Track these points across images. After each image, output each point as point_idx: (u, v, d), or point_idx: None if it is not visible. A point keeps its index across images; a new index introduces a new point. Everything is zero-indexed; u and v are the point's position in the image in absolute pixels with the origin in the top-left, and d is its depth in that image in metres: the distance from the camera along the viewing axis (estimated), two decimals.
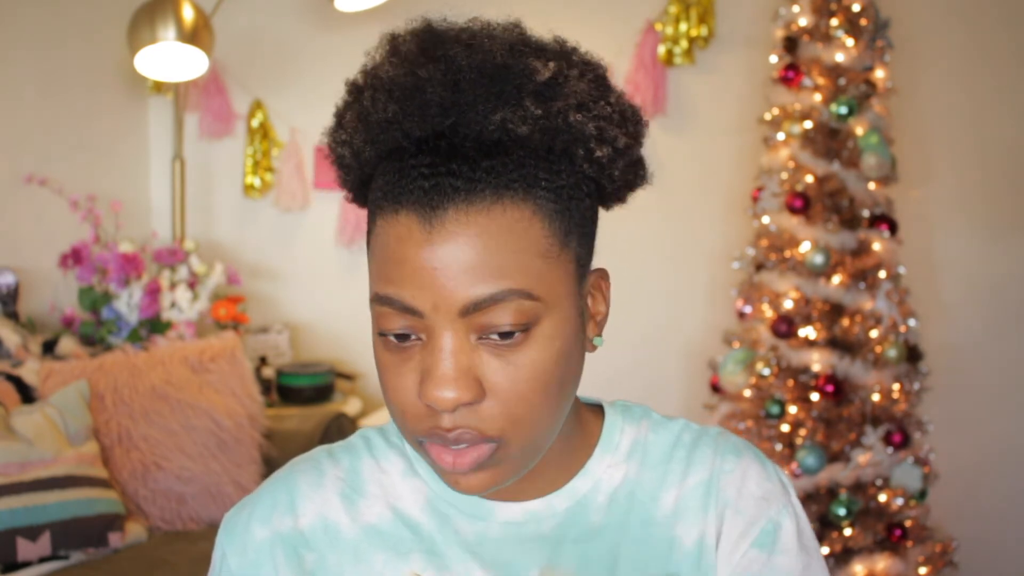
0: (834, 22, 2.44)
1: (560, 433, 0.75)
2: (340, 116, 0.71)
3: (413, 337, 0.67)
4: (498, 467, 0.69)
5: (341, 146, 0.71)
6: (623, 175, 0.72)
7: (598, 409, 0.83)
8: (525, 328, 0.66)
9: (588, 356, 0.74)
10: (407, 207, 0.65)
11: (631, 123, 0.71)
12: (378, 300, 0.68)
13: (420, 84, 0.65)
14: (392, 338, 0.68)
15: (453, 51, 0.66)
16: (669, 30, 2.94)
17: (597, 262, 0.76)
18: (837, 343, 2.44)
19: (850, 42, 2.42)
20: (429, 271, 0.64)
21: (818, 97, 2.44)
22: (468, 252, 0.64)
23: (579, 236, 0.70)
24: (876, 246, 2.40)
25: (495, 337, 0.66)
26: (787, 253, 2.43)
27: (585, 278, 0.72)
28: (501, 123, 0.65)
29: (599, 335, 0.75)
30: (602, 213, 0.76)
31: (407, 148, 0.67)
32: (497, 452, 0.68)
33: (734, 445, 0.80)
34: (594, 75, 0.70)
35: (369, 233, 0.70)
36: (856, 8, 2.44)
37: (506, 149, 0.66)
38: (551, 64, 0.67)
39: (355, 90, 0.70)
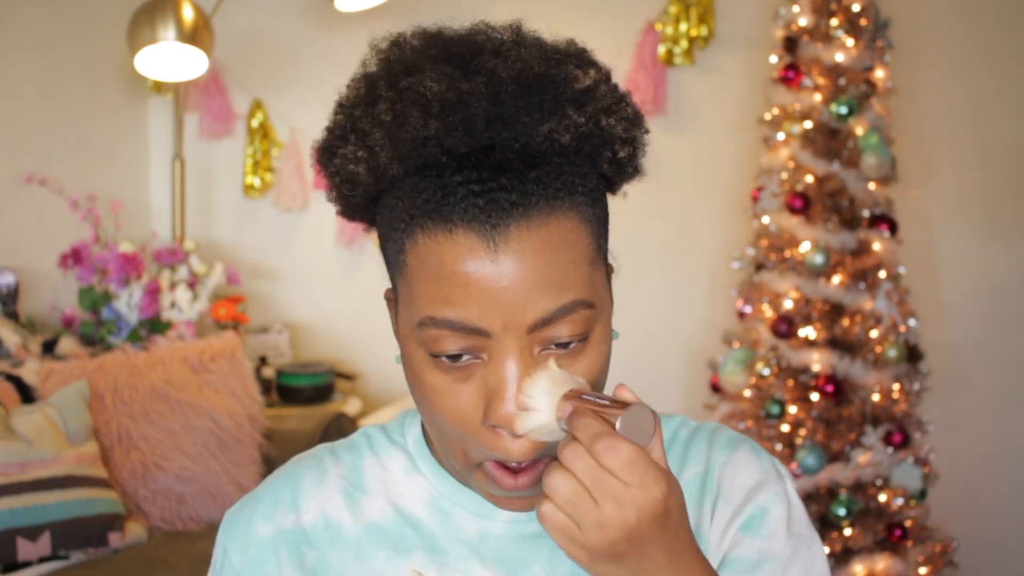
0: (834, 22, 2.44)
1: None
2: (345, 131, 0.69)
3: (468, 356, 0.66)
4: None
5: (355, 163, 0.68)
6: (634, 172, 0.74)
7: None
8: (584, 337, 0.67)
9: None
10: (463, 225, 0.63)
11: (641, 121, 0.73)
12: (434, 323, 0.65)
13: (463, 99, 0.64)
14: (445, 358, 0.67)
15: (490, 63, 0.65)
16: (669, 30, 2.94)
17: None
18: (837, 343, 2.44)
19: (850, 42, 2.42)
20: (498, 290, 0.63)
21: (818, 97, 2.44)
22: (533, 268, 0.64)
23: (605, 235, 0.72)
24: (876, 246, 2.40)
25: (554, 347, 0.66)
26: (787, 253, 2.43)
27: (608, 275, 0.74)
28: (548, 134, 0.65)
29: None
30: None
31: (446, 163, 0.65)
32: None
33: (728, 439, 0.80)
34: (607, 76, 0.71)
35: (400, 252, 0.68)
36: (856, 8, 2.44)
37: (547, 159, 0.66)
38: (591, 72, 0.67)
39: (362, 102, 0.68)
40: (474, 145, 0.65)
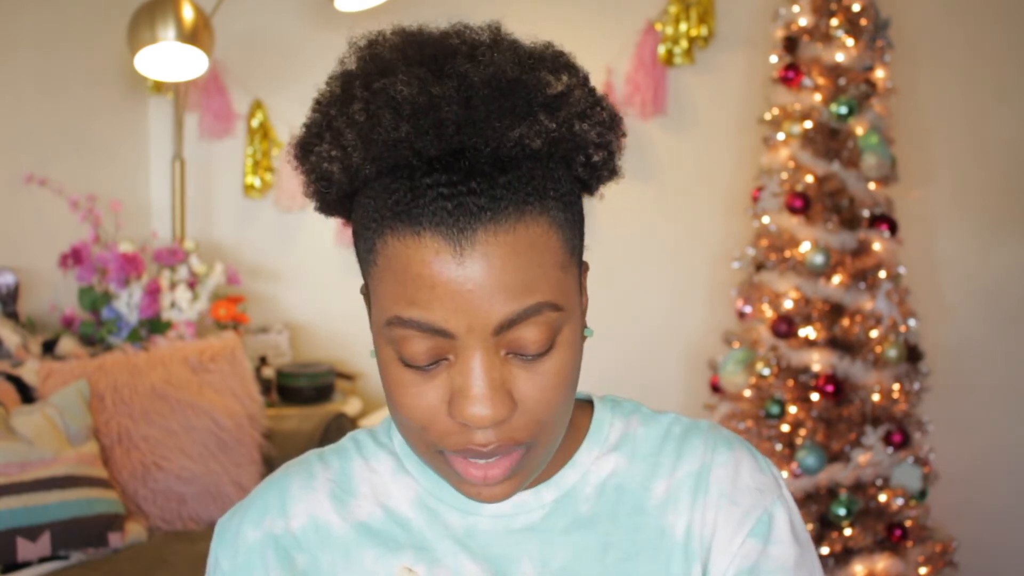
0: (834, 22, 2.44)
1: None
2: (321, 129, 0.69)
3: (434, 365, 0.68)
4: (521, 472, 0.70)
5: (329, 162, 0.68)
6: (609, 175, 0.74)
7: (587, 403, 0.83)
8: (551, 343, 0.67)
9: (586, 353, 0.75)
10: (431, 228, 0.64)
11: (618, 127, 0.72)
12: (401, 323, 0.66)
13: (434, 102, 0.64)
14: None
15: (463, 67, 0.65)
16: (669, 30, 2.94)
17: (598, 261, 0.76)
18: (837, 343, 2.44)
19: (850, 42, 2.42)
20: (463, 293, 0.64)
21: (818, 97, 2.44)
22: (499, 272, 0.64)
23: (579, 239, 0.72)
24: (876, 246, 2.40)
25: (520, 356, 0.67)
26: (787, 253, 2.43)
27: (582, 276, 0.74)
28: (519, 139, 0.65)
29: (586, 325, 0.76)
30: (602, 214, 0.77)
31: (417, 165, 0.66)
32: (524, 457, 0.69)
33: (726, 438, 0.80)
34: (583, 80, 0.70)
35: (370, 251, 0.68)
36: (856, 8, 2.44)
37: (518, 163, 0.66)
38: (564, 77, 0.67)
39: (338, 101, 0.68)
40: (445, 148, 0.65)
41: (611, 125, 0.71)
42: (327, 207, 0.74)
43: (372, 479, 0.80)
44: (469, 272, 0.64)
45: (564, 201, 0.68)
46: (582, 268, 0.75)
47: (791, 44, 2.48)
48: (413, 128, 0.64)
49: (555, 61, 0.69)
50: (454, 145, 0.65)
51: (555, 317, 0.67)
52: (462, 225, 0.64)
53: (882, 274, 2.39)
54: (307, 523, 0.79)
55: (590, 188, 0.74)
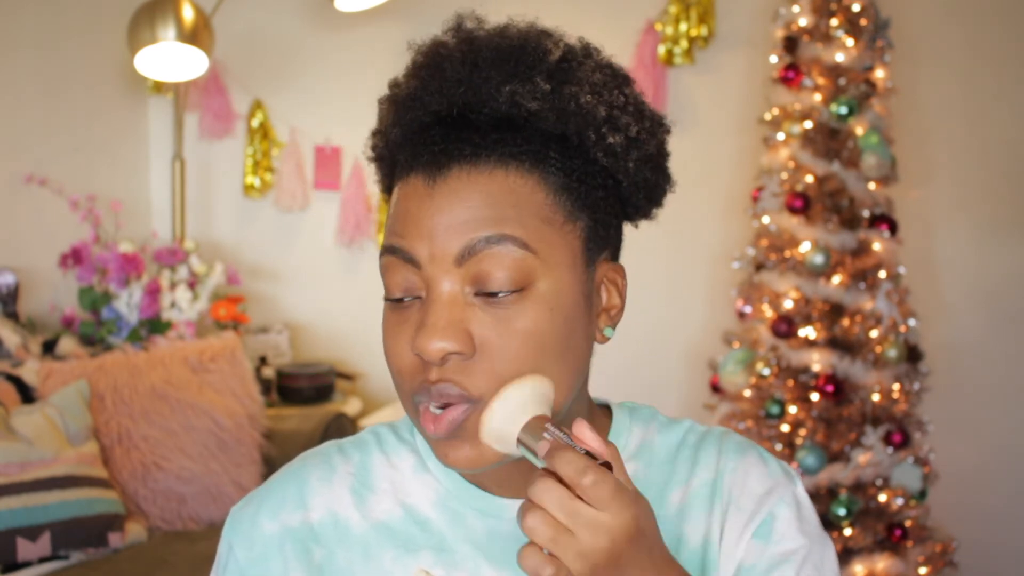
0: (834, 22, 2.44)
1: None
2: (379, 113, 0.76)
3: (409, 298, 0.70)
4: (477, 438, 0.68)
5: (375, 136, 0.75)
6: (638, 169, 0.73)
7: (606, 409, 0.83)
8: (519, 287, 0.67)
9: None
10: (416, 169, 0.69)
11: (648, 120, 0.73)
12: (386, 251, 0.71)
13: (440, 61, 0.70)
14: (392, 300, 0.71)
15: (477, 33, 0.71)
16: (669, 30, 2.94)
17: None
18: (837, 343, 2.44)
19: (850, 42, 2.42)
20: (428, 221, 0.67)
21: (818, 97, 2.44)
22: (467, 206, 0.67)
23: (590, 220, 0.71)
24: (876, 246, 2.40)
25: (487, 296, 0.67)
26: (787, 253, 2.43)
27: (594, 264, 0.73)
28: (510, 95, 0.68)
29: (611, 326, 0.75)
30: None
31: (428, 123, 0.71)
32: (473, 416, 0.67)
33: (737, 444, 0.80)
34: (612, 72, 0.73)
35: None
36: (856, 8, 2.44)
37: (517, 125, 0.69)
38: (562, 44, 0.71)
39: (395, 85, 0.75)
40: (448, 105, 0.70)
41: (633, 113, 0.72)
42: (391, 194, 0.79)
43: (392, 475, 0.79)
44: (437, 202, 0.67)
45: (569, 174, 0.70)
46: (598, 257, 0.73)
47: (791, 44, 2.48)
48: (422, 85, 0.70)
49: (577, 47, 0.72)
50: (458, 102, 0.69)
51: (522, 256, 0.67)
52: (440, 163, 0.68)
53: (882, 274, 2.40)
54: (326, 517, 0.78)
55: (623, 185, 0.74)
